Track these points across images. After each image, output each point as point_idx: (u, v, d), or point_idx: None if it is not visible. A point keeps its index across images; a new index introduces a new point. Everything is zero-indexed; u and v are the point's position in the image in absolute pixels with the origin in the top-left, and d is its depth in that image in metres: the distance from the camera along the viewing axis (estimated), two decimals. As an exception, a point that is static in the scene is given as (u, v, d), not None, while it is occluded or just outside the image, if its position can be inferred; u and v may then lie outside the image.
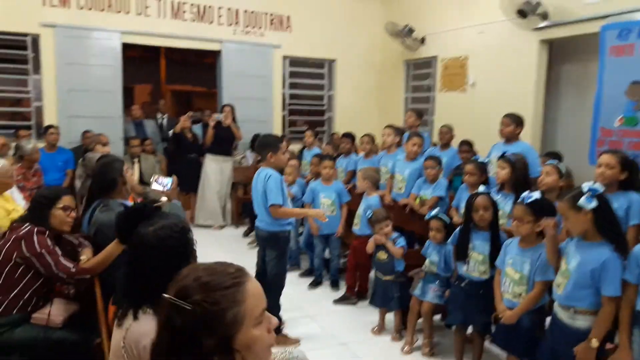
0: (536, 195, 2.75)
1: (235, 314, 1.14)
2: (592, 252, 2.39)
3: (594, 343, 2.33)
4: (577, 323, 2.43)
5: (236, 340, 1.14)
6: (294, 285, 4.79)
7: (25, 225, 2.65)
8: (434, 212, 3.59)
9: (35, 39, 6.52)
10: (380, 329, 3.89)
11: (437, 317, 3.74)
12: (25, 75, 6.64)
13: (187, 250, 1.74)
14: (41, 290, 2.67)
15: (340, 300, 4.44)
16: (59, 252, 2.65)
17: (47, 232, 2.66)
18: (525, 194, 2.77)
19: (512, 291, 2.83)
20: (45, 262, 2.58)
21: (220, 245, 6.18)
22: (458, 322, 3.28)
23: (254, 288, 1.20)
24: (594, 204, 2.35)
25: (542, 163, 4.09)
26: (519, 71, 6.13)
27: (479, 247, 3.13)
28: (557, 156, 5.03)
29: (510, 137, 4.43)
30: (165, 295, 1.16)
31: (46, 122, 6.48)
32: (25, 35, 6.48)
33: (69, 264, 2.62)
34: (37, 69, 6.62)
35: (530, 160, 3.93)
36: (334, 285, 4.78)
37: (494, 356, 3.37)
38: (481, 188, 3.17)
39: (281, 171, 3.81)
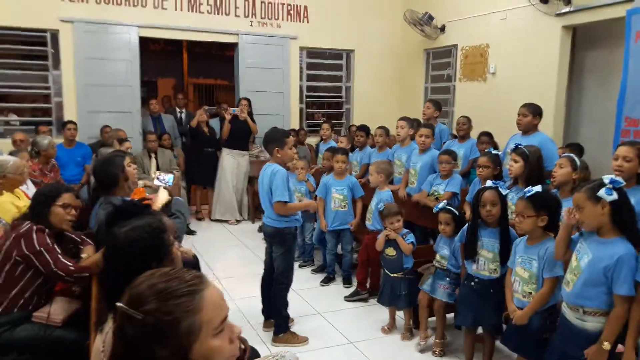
0: (537, 188, 2.63)
1: (191, 324, 1.09)
2: (607, 248, 2.26)
3: (606, 346, 2.22)
4: (587, 325, 2.31)
5: (193, 351, 1.10)
6: (307, 282, 4.75)
7: (26, 223, 2.66)
8: (441, 204, 3.48)
9: (55, 35, 6.61)
10: (391, 327, 3.80)
11: (451, 315, 3.63)
12: (45, 71, 6.73)
13: (158, 252, 1.67)
14: (42, 289, 2.68)
15: (351, 297, 4.36)
16: (58, 250, 2.65)
17: (47, 230, 2.66)
18: (528, 188, 2.65)
19: (522, 290, 2.72)
20: (44, 260, 2.58)
21: (235, 240, 6.18)
22: (467, 324, 3.17)
23: (212, 296, 1.14)
24: (614, 196, 2.23)
25: (562, 155, 3.92)
26: (541, 59, 5.90)
27: (488, 245, 3.00)
28: (578, 148, 4.83)
29: (528, 129, 4.27)
30: (118, 303, 1.11)
31: (66, 118, 6.55)
32: (45, 31, 6.56)
33: (68, 262, 2.62)
34: (57, 64, 6.71)
35: (546, 153, 3.77)
36: (347, 281, 4.69)
37: (505, 356, 3.25)
38: (488, 182, 3.04)
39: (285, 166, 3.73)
